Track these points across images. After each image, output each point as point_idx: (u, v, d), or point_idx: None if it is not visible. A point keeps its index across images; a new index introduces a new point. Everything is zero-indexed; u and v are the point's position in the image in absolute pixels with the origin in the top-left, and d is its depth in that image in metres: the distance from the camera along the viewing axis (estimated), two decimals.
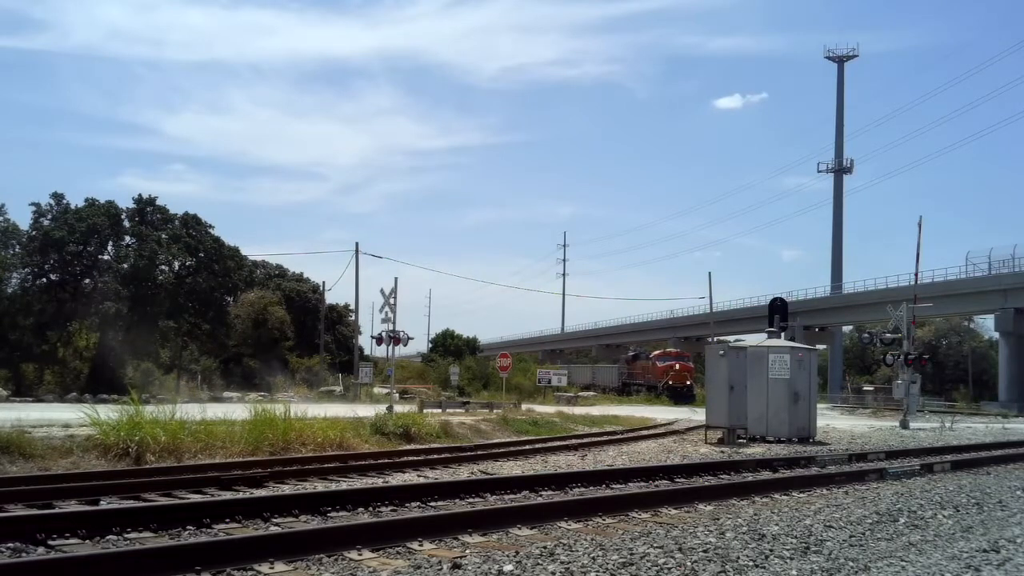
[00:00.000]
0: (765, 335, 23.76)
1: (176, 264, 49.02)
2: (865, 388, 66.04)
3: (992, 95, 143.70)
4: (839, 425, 26.86)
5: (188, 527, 6.94)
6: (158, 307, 46.03)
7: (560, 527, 7.42)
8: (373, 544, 6.30)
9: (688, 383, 49.28)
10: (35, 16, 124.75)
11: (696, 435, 20.54)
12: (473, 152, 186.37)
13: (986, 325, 71.11)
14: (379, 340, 24.38)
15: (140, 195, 49.32)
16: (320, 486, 10.14)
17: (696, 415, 28.14)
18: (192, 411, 14.18)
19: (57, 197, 47.03)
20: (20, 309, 44.50)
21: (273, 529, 7.10)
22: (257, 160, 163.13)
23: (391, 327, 22.96)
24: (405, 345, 25.17)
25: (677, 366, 50.66)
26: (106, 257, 48.00)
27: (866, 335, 34.71)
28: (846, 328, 76.54)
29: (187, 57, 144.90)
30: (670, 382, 49.63)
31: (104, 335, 45.81)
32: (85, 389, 37.87)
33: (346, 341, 60.75)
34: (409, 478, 11.09)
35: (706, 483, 10.82)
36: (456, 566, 5.63)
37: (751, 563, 5.94)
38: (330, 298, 62.00)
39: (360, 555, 6.06)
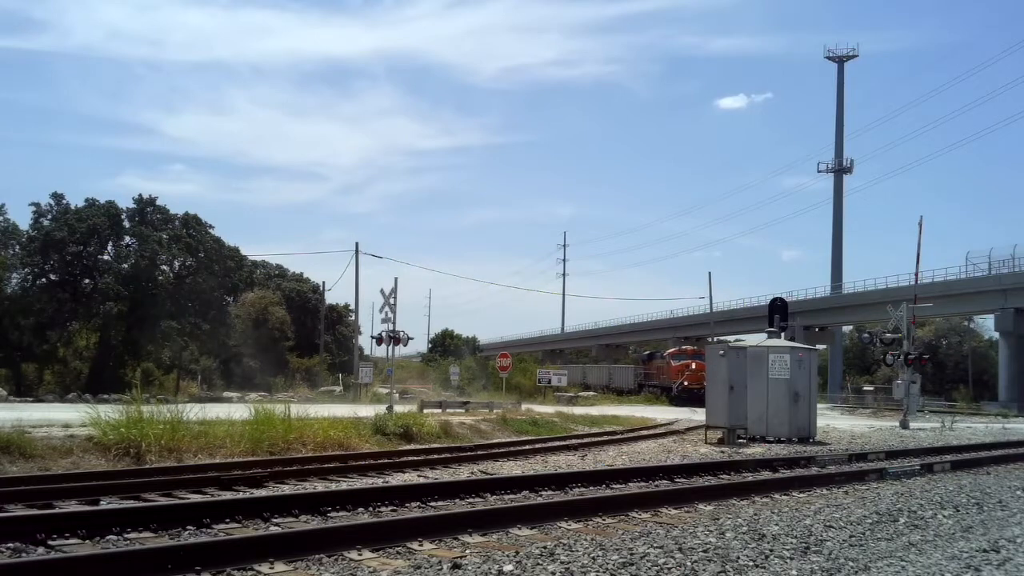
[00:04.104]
0: (765, 335, 23.74)
1: (176, 264, 49.07)
2: (865, 388, 65.99)
3: (992, 95, 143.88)
4: (839, 425, 26.85)
5: (188, 527, 6.94)
6: (158, 307, 46.04)
7: (560, 527, 7.42)
8: (373, 544, 6.30)
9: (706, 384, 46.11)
10: (35, 16, 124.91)
11: (696, 435, 20.53)
12: (473, 152, 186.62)
13: (986, 325, 71.14)
14: (379, 340, 24.38)
15: (140, 195, 49.45)
16: (320, 486, 10.13)
17: (696, 415, 28.12)
18: (192, 411, 14.16)
19: (57, 197, 47.10)
20: (20, 309, 44.52)
21: (273, 529, 7.10)
22: (257, 160, 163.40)
23: (391, 327, 22.96)
24: (405, 345, 25.18)
25: (693, 365, 45.35)
26: (106, 257, 48.04)
27: (866, 335, 34.60)
28: (846, 328, 76.44)
29: (187, 57, 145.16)
30: (685, 383, 45.82)
31: (104, 335, 45.84)
32: (85, 389, 37.87)
33: (346, 341, 60.77)
34: (409, 478, 11.08)
35: (706, 483, 10.82)
36: (456, 566, 5.63)
37: (751, 563, 5.94)
38: (330, 298, 62.10)
39: (360, 555, 6.06)
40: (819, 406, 22.41)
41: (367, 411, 19.42)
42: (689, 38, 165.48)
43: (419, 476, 11.38)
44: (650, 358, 58.08)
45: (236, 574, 5.53)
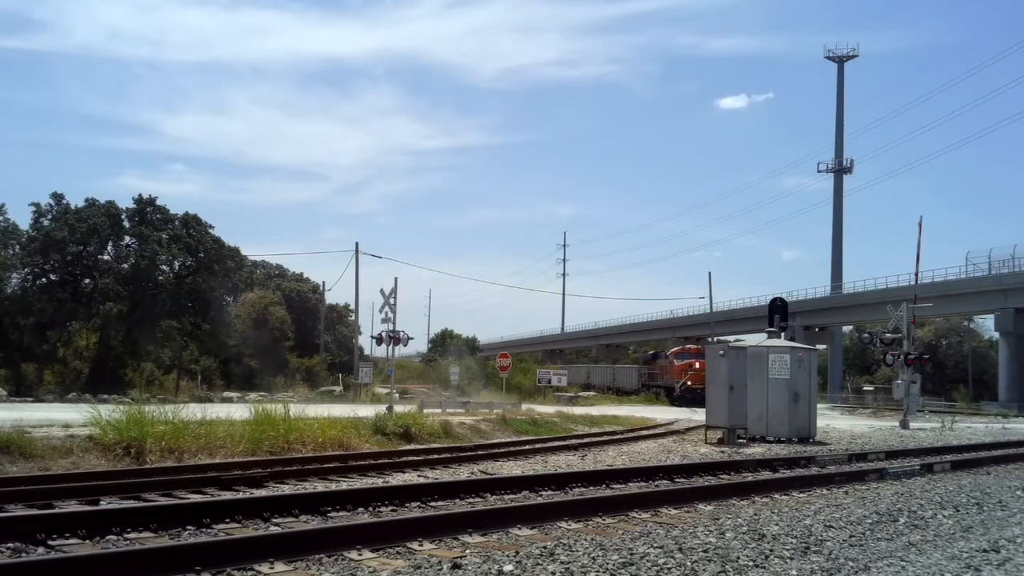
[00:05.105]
0: (765, 335, 23.73)
1: (176, 264, 49.06)
2: (865, 388, 66.06)
3: (992, 95, 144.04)
4: (839, 425, 26.85)
5: (188, 527, 6.94)
6: (158, 307, 46.02)
7: (560, 527, 7.41)
8: (373, 544, 6.29)
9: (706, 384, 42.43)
10: (35, 16, 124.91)
11: (696, 435, 20.53)
12: (473, 152, 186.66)
13: (986, 325, 71.16)
14: (379, 340, 24.39)
15: (140, 195, 49.40)
16: (320, 486, 10.13)
17: (696, 415, 28.13)
18: (192, 411, 14.17)
19: (57, 197, 47.11)
20: (20, 309, 44.51)
21: (273, 529, 7.10)
22: (257, 160, 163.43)
23: (391, 327, 22.96)
24: (405, 345, 25.19)
25: (697, 364, 42.49)
26: (106, 257, 48.05)
27: (866, 335, 34.61)
28: (846, 328, 76.47)
29: (187, 57, 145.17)
30: (688, 383, 43.62)
31: (104, 335, 45.81)
32: (85, 389, 37.85)
33: (346, 341, 60.80)
34: (409, 478, 11.08)
35: (706, 483, 10.82)
36: (456, 566, 5.63)
37: (751, 563, 5.94)
38: (330, 298, 62.13)
39: (360, 555, 6.06)
40: (819, 406, 22.40)
41: (367, 411, 19.42)
42: (689, 38, 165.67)
43: (419, 476, 11.38)
44: (654, 358, 57.39)
45: (236, 574, 5.53)
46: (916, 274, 33.00)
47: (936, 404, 51.02)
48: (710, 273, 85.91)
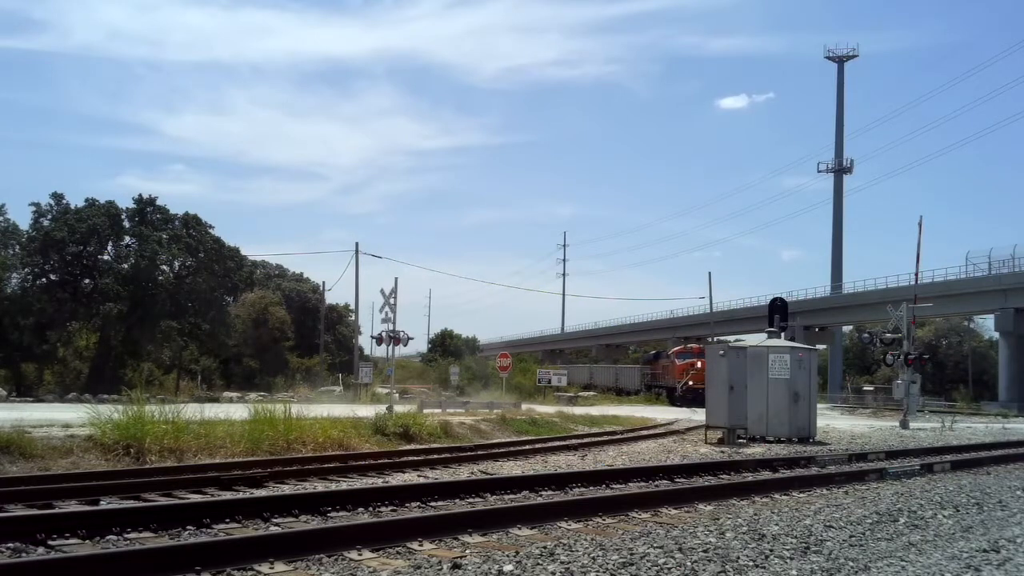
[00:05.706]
0: (765, 335, 23.72)
1: (176, 264, 49.09)
2: (865, 388, 66.08)
3: (992, 95, 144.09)
4: (839, 425, 26.85)
5: (188, 527, 6.93)
6: (158, 307, 46.05)
7: (560, 527, 7.41)
8: (373, 544, 6.29)
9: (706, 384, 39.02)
10: (35, 16, 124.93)
11: (696, 435, 20.53)
12: (473, 152, 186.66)
13: (986, 325, 71.18)
14: (379, 340, 24.40)
15: (140, 195, 49.45)
16: (320, 486, 10.13)
17: (696, 415, 28.11)
18: (192, 411, 14.16)
19: (57, 197, 47.13)
20: (20, 309, 44.52)
21: (273, 529, 7.10)
22: (257, 160, 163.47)
23: (391, 327, 22.96)
24: (405, 345, 25.19)
25: (699, 364, 40.30)
26: (106, 257, 48.07)
27: (866, 335, 34.63)
28: (846, 328, 76.44)
29: (187, 57, 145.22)
30: (690, 382, 42.30)
31: (104, 335, 45.84)
32: (85, 389, 37.86)
33: (346, 341, 60.79)
34: (409, 478, 11.08)
35: (706, 483, 10.81)
36: (456, 566, 5.63)
37: (751, 563, 5.94)
38: (330, 298, 62.16)
39: (360, 555, 6.06)
40: (819, 406, 22.39)
41: (367, 411, 19.41)
42: (689, 38, 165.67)
43: (419, 476, 11.38)
44: (656, 358, 56.79)
45: (236, 574, 5.53)
46: (916, 274, 33.01)
47: (936, 404, 51.01)
48: (710, 273, 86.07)
